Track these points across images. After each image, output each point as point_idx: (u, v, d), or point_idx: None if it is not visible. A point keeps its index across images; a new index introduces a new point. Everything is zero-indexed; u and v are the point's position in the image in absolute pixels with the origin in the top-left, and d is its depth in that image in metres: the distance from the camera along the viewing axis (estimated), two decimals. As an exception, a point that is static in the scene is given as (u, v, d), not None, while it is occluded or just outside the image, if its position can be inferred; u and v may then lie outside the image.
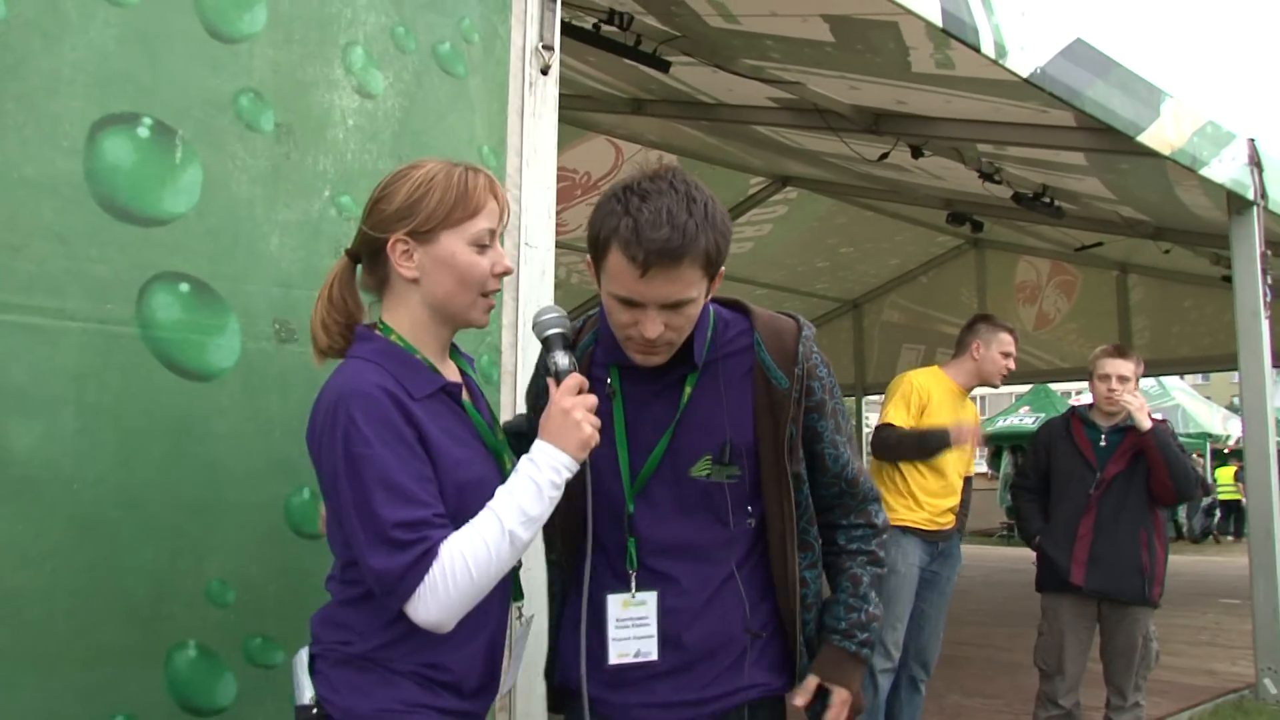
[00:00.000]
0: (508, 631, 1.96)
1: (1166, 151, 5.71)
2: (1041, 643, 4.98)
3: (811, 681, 2.05)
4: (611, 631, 2.01)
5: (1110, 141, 6.00)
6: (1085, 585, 4.75)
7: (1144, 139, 5.52)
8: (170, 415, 2.15)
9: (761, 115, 8.37)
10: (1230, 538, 22.81)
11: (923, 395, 5.06)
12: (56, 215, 2.04)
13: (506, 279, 2.26)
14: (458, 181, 1.86)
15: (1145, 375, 15.50)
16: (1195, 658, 8.00)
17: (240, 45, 2.28)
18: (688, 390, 2.01)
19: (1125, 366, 4.90)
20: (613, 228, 1.84)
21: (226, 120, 2.26)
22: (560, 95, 9.12)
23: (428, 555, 1.70)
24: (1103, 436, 4.90)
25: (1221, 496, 22.89)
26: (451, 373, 1.95)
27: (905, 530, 4.86)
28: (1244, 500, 23.16)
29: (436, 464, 1.77)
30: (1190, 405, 23.05)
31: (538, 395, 2.11)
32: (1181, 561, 16.53)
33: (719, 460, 2.00)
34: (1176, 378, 21.74)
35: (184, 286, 2.19)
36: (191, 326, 2.19)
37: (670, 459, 2.01)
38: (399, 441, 1.73)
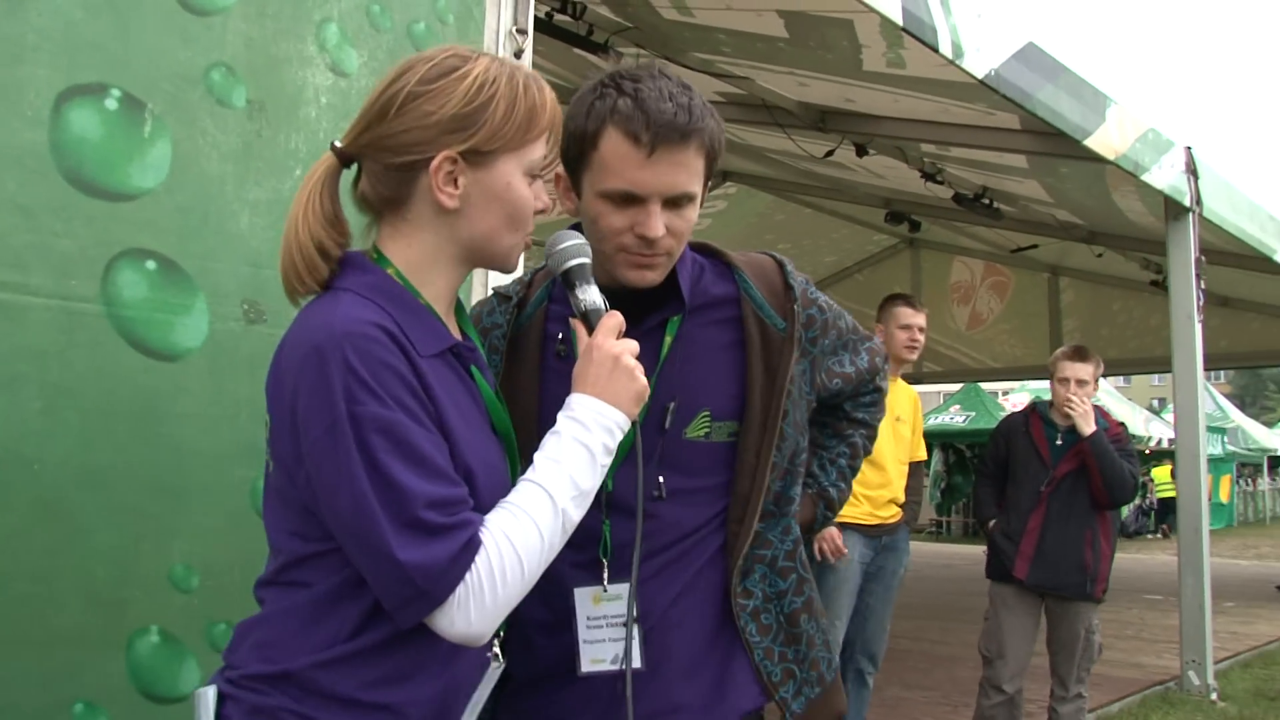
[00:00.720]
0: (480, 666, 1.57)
1: (1111, 156, 5.82)
2: (987, 628, 5.10)
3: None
4: (582, 633, 1.71)
5: (1054, 145, 6.10)
6: (1027, 579, 4.88)
7: (1090, 143, 5.62)
8: (135, 395, 2.09)
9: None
10: (1156, 535, 23.57)
11: None
12: (20, 188, 1.97)
13: None
14: (525, 91, 1.47)
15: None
16: (1124, 651, 8.18)
17: (213, 18, 2.23)
18: (668, 339, 1.75)
19: (1084, 370, 5.03)
20: (608, 109, 1.61)
21: (198, 95, 2.20)
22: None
23: (471, 544, 1.33)
24: (1059, 435, 5.01)
25: (1160, 495, 23.65)
26: (454, 329, 1.57)
27: (844, 526, 4.84)
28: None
29: (445, 438, 1.40)
30: (1114, 407, 23.52)
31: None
32: (1104, 559, 16.94)
33: (719, 416, 1.75)
34: (1102, 379, 22.24)
35: (151, 264, 2.13)
36: (158, 305, 2.13)
37: (654, 419, 1.72)
38: (413, 396, 1.36)
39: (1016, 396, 22.56)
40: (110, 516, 2.06)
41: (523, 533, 1.37)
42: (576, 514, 1.43)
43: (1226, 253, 8.21)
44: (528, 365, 1.77)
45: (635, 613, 1.65)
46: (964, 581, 5.17)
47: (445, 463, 1.36)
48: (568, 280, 1.60)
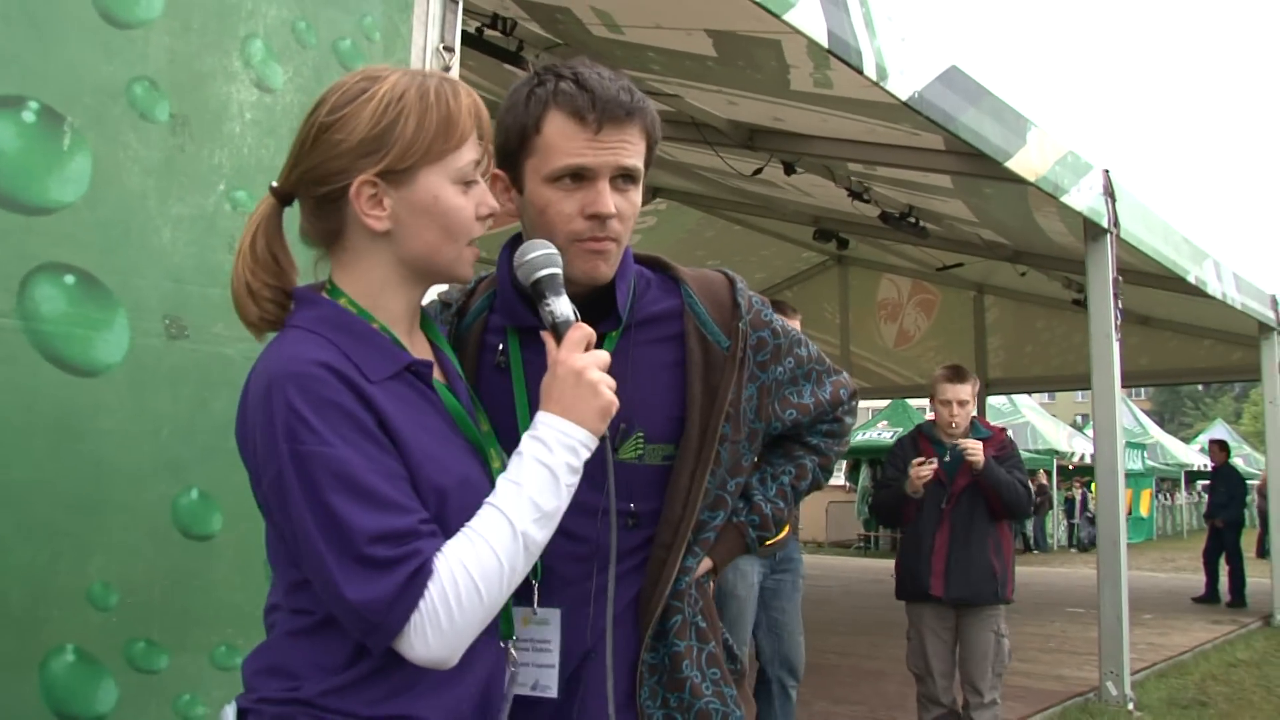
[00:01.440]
0: (505, 673, 1.56)
1: (1031, 178, 5.96)
2: (911, 648, 5.24)
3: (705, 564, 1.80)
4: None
5: (977, 166, 6.23)
6: (945, 595, 5.01)
7: (1011, 165, 5.76)
8: (53, 411, 2.07)
9: (639, 126, 8.43)
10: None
11: None
12: (-65, 201, 1.94)
13: None
14: (437, 99, 1.45)
15: (999, 393, 16.09)
16: (1045, 664, 8.33)
17: (135, 31, 2.21)
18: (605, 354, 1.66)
19: (964, 390, 5.20)
20: (549, 93, 1.59)
21: (119, 109, 2.18)
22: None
23: (420, 574, 1.32)
24: (948, 453, 5.14)
25: None
26: (421, 347, 1.57)
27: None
28: (1128, 514, 24.79)
29: (407, 463, 1.39)
30: (1039, 423, 24.06)
31: None
32: (1030, 573, 17.21)
33: (652, 438, 1.69)
34: (1026, 396, 22.65)
35: (70, 278, 2.10)
36: (77, 320, 2.11)
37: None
38: (358, 432, 1.35)
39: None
40: (26, 534, 2.03)
41: (479, 558, 1.36)
42: (541, 535, 1.42)
43: (1145, 273, 8.44)
44: (464, 375, 1.70)
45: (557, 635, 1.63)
46: (891, 596, 5.24)
47: (398, 492, 1.36)
48: (538, 291, 1.56)
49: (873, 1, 4.67)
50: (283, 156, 2.39)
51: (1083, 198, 6.44)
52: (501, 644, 1.54)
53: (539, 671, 1.63)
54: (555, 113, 1.59)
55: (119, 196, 2.18)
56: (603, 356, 1.50)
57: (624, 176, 1.62)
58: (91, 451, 2.12)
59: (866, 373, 14.71)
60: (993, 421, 19.98)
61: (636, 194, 1.65)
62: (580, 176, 1.60)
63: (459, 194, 1.47)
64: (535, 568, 1.62)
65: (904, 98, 4.86)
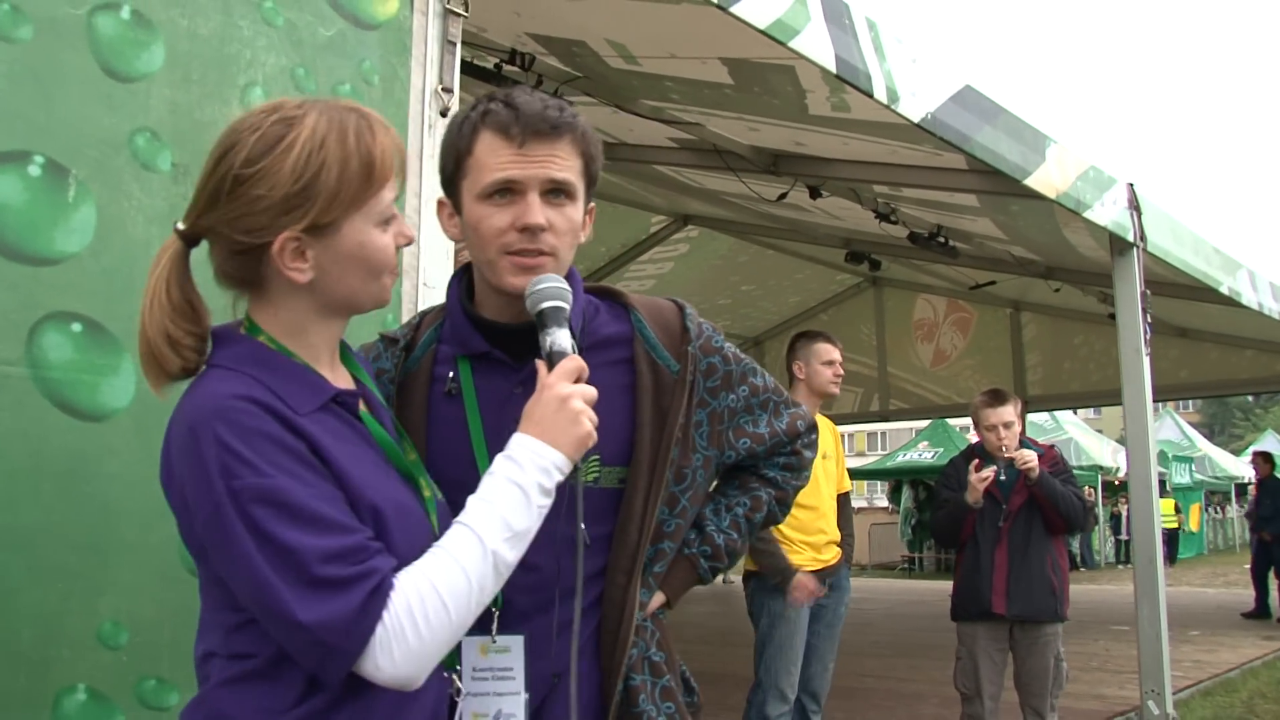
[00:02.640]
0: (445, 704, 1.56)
1: (1052, 195, 5.94)
2: (960, 667, 5.22)
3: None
4: (467, 684, 1.65)
5: (999, 184, 6.21)
6: (1008, 612, 5.00)
7: (1030, 182, 5.73)
8: (61, 455, 2.12)
9: (662, 155, 8.50)
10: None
11: None
12: (-60, 254, 2.01)
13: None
14: (358, 144, 1.42)
15: (1038, 410, 15.90)
16: (1086, 683, 8.23)
17: (137, 84, 2.28)
18: None
19: (1007, 413, 5.22)
20: (478, 116, 1.66)
21: (122, 160, 2.25)
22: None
23: (380, 591, 1.31)
24: (1002, 472, 5.15)
25: (1165, 525, 24.18)
26: (343, 380, 1.56)
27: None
28: (1181, 530, 24.67)
29: (343, 488, 1.38)
30: (1082, 439, 23.80)
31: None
32: (1076, 590, 17.01)
33: (608, 460, 1.72)
34: (1069, 412, 22.45)
35: (76, 326, 2.16)
36: (84, 366, 2.17)
37: None
38: (292, 459, 1.33)
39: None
40: (36, 576, 2.08)
41: (445, 574, 1.35)
42: (512, 555, 1.41)
43: (1177, 284, 8.35)
44: (415, 408, 1.75)
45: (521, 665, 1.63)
46: (935, 618, 5.27)
47: (341, 513, 1.35)
48: (541, 320, 1.60)
49: (882, 25, 4.68)
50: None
51: (1106, 212, 6.39)
52: (446, 674, 1.55)
53: (500, 701, 1.64)
54: (484, 132, 1.65)
55: (123, 245, 2.24)
56: (590, 391, 1.53)
57: (555, 190, 1.66)
58: (99, 494, 2.17)
59: (904, 393, 14.63)
60: (1036, 439, 19.78)
61: (573, 209, 1.68)
62: (510, 191, 1.64)
63: (381, 234, 1.47)
64: (497, 596, 1.60)
65: (916, 119, 4.87)
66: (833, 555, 5.12)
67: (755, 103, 6.41)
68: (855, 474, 29.30)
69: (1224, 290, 8.07)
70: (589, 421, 1.49)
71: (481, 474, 1.54)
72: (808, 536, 5.02)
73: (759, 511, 1.98)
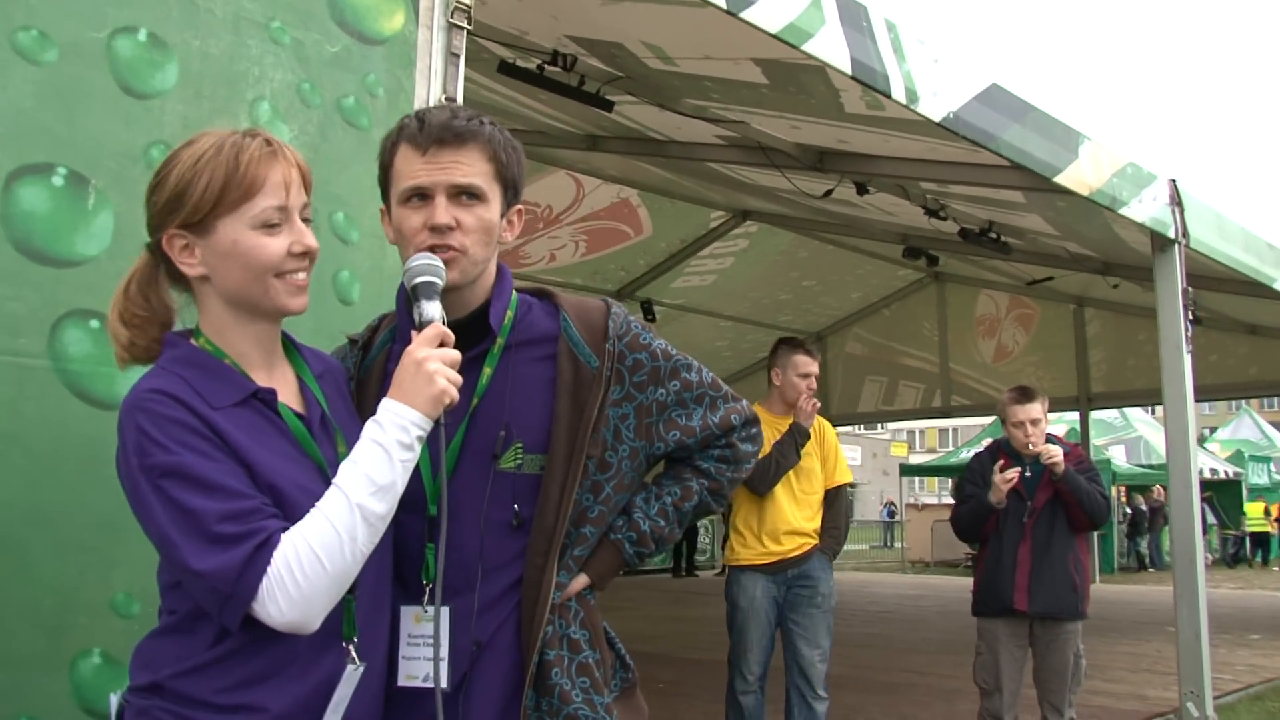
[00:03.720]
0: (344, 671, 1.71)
1: (1085, 192, 5.95)
2: (980, 662, 5.29)
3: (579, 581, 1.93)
4: (402, 649, 1.84)
5: (1036, 181, 6.24)
6: (1029, 609, 5.06)
7: (1061, 180, 5.76)
8: (80, 441, 2.33)
9: (710, 152, 8.61)
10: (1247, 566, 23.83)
11: None
12: (-30, 257, 2.22)
13: None
14: (233, 159, 1.66)
15: (1102, 407, 15.69)
16: (1131, 684, 8.19)
17: (152, 101, 2.48)
18: (487, 370, 1.90)
19: (1035, 410, 5.27)
20: (395, 132, 1.87)
21: (138, 171, 2.45)
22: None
23: (266, 546, 1.53)
24: (1027, 468, 5.20)
25: (1251, 529, 24.14)
26: (282, 379, 1.78)
27: (741, 569, 5.34)
28: (1274, 532, 24.50)
29: (246, 466, 1.60)
30: (1153, 437, 23.33)
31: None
32: (1139, 591, 16.74)
33: (530, 448, 1.87)
34: (1140, 409, 22.08)
35: (94, 323, 2.36)
36: (101, 360, 2.36)
37: (472, 449, 1.86)
38: (197, 437, 1.56)
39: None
40: (56, 550, 2.29)
41: (316, 529, 1.55)
42: (380, 507, 1.59)
43: (1229, 280, 8.27)
44: (369, 403, 1.84)
45: (440, 634, 1.76)
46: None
47: (240, 484, 1.57)
48: (414, 294, 1.76)
49: (903, 27, 4.76)
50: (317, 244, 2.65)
51: (1145, 209, 6.38)
52: (344, 644, 1.70)
53: (428, 665, 1.80)
54: (400, 146, 1.86)
55: (138, 249, 2.40)
56: (450, 353, 1.68)
57: (464, 193, 1.83)
58: (115, 477, 2.37)
59: (966, 389, 14.58)
60: (1103, 436, 19.48)
61: (484, 210, 1.85)
62: (421, 195, 1.83)
63: (259, 236, 1.68)
64: (429, 568, 1.83)
65: (937, 119, 4.94)
66: (794, 546, 5.32)
67: (792, 102, 6.50)
68: (920, 470, 29.30)
69: (1278, 286, 7.98)
70: (444, 380, 1.64)
71: (420, 459, 1.73)
72: (759, 529, 5.33)
73: (689, 500, 2.06)
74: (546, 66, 6.55)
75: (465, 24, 3.05)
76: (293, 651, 1.63)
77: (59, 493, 2.30)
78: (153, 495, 1.55)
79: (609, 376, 1.92)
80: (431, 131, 1.82)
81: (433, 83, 2.97)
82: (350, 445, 1.74)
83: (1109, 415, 20.90)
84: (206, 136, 1.72)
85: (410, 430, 1.63)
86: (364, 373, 2.02)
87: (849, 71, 4.42)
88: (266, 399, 1.71)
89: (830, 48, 4.32)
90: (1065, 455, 5.17)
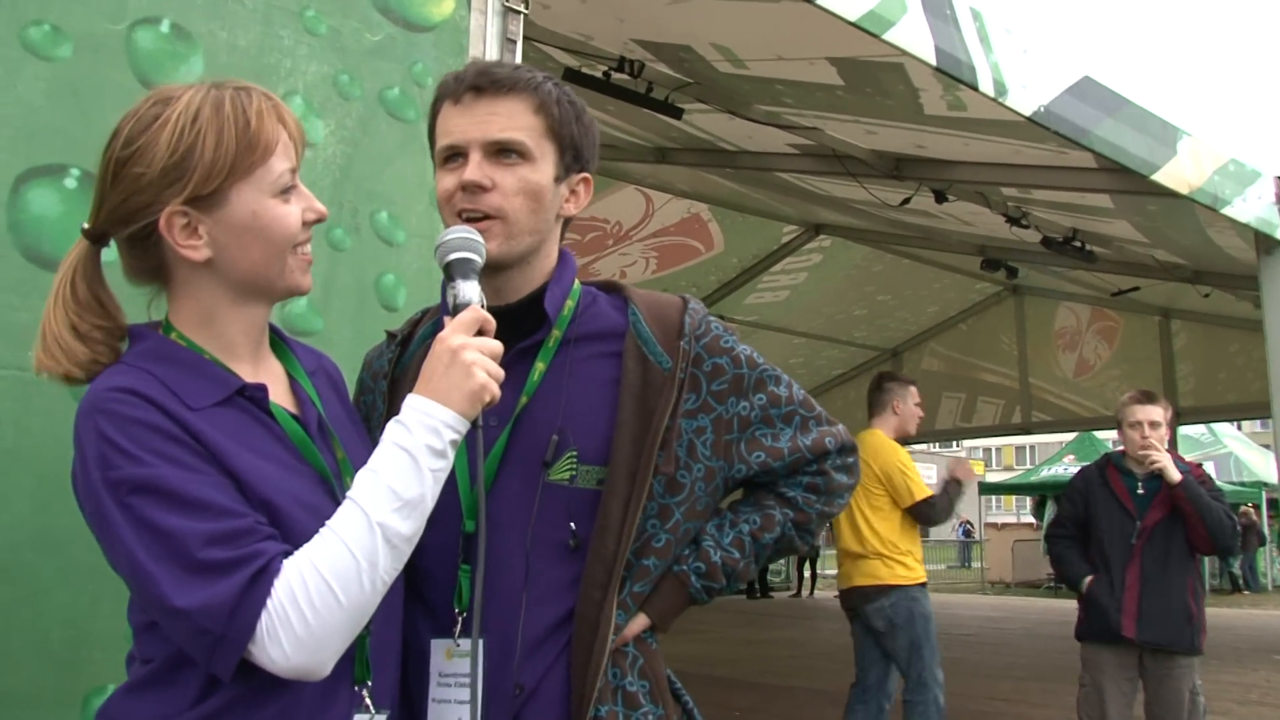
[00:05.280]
0: None
1: (1184, 190, 5.60)
2: (1084, 695, 4.92)
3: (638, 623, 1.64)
4: (432, 690, 1.56)
5: (1129, 182, 5.90)
6: (1137, 637, 4.67)
7: (1159, 178, 5.42)
8: (94, 460, 2.14)
9: (782, 162, 8.38)
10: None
11: None
12: (-23, 266, 2.05)
13: None
14: (235, 113, 1.39)
15: (1191, 423, 15.15)
16: (1240, 716, 7.74)
17: (174, 96, 2.30)
18: (539, 366, 1.63)
19: (1155, 412, 4.87)
20: (437, 92, 1.66)
21: (159, 169, 2.27)
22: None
23: (265, 574, 1.25)
24: (1140, 484, 4.85)
25: None
26: (268, 374, 1.51)
27: (922, 586, 5.51)
28: None
29: (234, 478, 1.32)
30: (1244, 453, 22.51)
31: (370, 405, 1.76)
32: (1237, 615, 16.05)
33: (586, 458, 1.60)
34: (1230, 425, 21.28)
35: (109, 333, 2.18)
36: (117, 372, 2.19)
37: (517, 457, 1.59)
38: (173, 444, 1.29)
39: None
40: (67, 578, 2.10)
41: (329, 553, 1.27)
42: (405, 526, 1.31)
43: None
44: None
45: (480, 673, 1.46)
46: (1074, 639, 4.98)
47: (228, 499, 1.29)
48: (448, 273, 1.52)
49: (988, 15, 4.48)
50: (326, 209, 2.45)
51: (1250, 208, 6.00)
52: (356, 688, 1.44)
53: (461, 710, 1.52)
54: (441, 104, 1.65)
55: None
56: (490, 343, 1.42)
57: (503, 150, 1.59)
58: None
59: (1046, 405, 14.12)
60: (1191, 453, 18.83)
61: (529, 170, 1.59)
62: (458, 155, 1.60)
63: (279, 205, 1.42)
64: (460, 596, 1.56)
65: (1027, 113, 4.64)
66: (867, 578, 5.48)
67: (869, 104, 6.25)
68: (999, 489, 28.56)
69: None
70: (483, 373, 1.37)
71: (456, 466, 1.50)
72: (916, 551, 5.62)
73: (769, 531, 1.76)
74: (613, 73, 6.37)
75: (522, 7, 2.86)
76: (295, 704, 1.35)
77: (69, 515, 2.07)
78: (119, 515, 1.27)
79: (683, 380, 1.64)
80: (465, 78, 1.59)
81: (483, 73, 2.76)
82: (351, 453, 1.50)
83: (1195, 431, 20.15)
84: (183, 90, 1.42)
85: (443, 433, 1.35)
86: (400, 371, 1.76)
87: (934, 62, 4.14)
88: (255, 397, 1.44)
89: (913, 37, 4.06)
90: (1186, 474, 4.78)
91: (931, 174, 7.61)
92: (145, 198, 1.38)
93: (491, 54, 2.82)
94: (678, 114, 6.83)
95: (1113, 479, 4.97)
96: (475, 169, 1.57)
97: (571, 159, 1.65)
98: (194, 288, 1.44)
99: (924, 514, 5.47)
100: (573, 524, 1.57)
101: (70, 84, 2.18)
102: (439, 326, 1.57)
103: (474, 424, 1.40)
